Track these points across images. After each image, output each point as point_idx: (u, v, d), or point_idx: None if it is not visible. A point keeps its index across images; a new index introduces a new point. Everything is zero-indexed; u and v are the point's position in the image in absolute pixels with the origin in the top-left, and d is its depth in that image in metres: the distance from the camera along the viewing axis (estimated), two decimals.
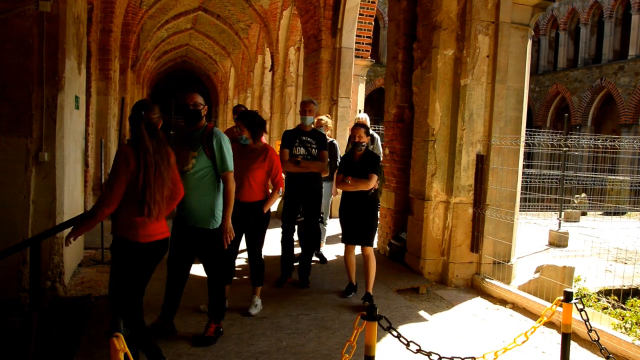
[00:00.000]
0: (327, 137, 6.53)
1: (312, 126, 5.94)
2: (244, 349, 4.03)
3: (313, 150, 5.65)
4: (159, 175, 3.20)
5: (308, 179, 5.72)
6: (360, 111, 11.27)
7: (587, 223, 12.20)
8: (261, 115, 5.15)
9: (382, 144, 8.03)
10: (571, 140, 9.06)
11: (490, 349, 3.52)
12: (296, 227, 5.91)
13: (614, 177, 16.21)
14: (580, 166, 15.49)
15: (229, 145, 4.04)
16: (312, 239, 5.88)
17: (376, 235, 7.80)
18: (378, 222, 5.59)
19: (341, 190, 5.67)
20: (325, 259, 6.94)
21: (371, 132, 7.02)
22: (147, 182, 3.14)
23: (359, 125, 5.32)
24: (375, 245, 7.77)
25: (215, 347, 4.03)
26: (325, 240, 7.31)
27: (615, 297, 6.25)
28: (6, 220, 4.82)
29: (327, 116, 7.17)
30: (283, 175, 5.23)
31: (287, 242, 5.77)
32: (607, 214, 14.35)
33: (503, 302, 5.58)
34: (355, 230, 5.26)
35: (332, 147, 6.79)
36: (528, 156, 16.29)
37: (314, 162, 5.65)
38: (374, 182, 5.13)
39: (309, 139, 5.67)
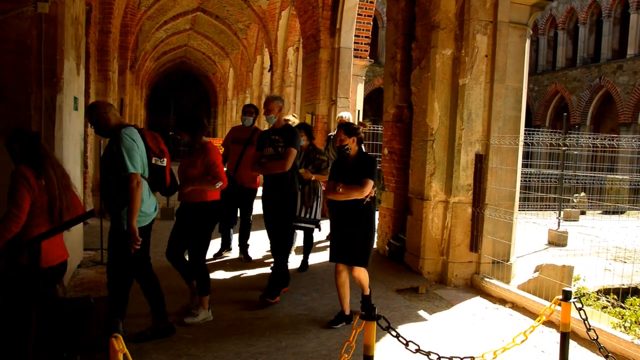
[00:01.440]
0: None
1: (290, 123, 5.78)
2: (244, 349, 4.03)
3: (280, 148, 5.18)
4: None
5: (274, 180, 5.27)
6: (358, 112, 11.27)
7: (587, 222, 12.21)
8: (199, 114, 4.95)
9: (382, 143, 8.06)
10: (570, 140, 9.07)
11: (489, 349, 3.53)
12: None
13: (613, 176, 16.22)
14: (580, 165, 15.49)
15: (131, 146, 3.71)
16: (281, 246, 5.29)
17: (375, 236, 7.84)
18: (375, 236, 4.85)
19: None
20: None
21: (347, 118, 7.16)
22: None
23: (339, 126, 4.83)
24: (375, 245, 7.80)
25: (215, 347, 4.03)
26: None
27: (615, 296, 6.25)
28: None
29: (294, 115, 7.25)
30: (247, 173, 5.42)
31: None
32: (606, 213, 14.36)
33: (502, 301, 5.59)
34: (347, 247, 4.54)
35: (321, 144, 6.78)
36: (527, 155, 16.28)
37: (276, 162, 5.17)
38: (368, 189, 4.42)
39: (277, 137, 5.24)
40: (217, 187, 4.54)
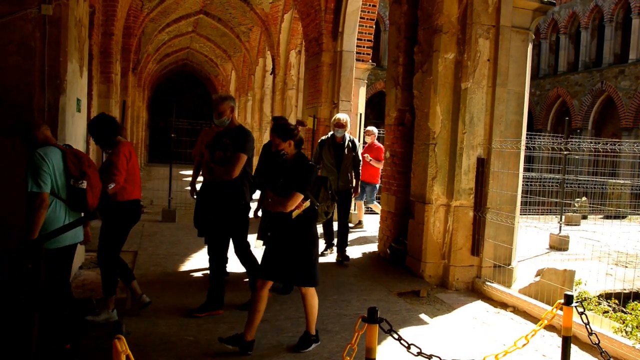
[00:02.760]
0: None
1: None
2: None
3: (228, 152, 4.69)
4: None
5: (221, 188, 4.76)
6: (360, 115, 11.28)
7: (588, 227, 12.20)
8: (109, 117, 4.66)
9: (384, 146, 8.06)
10: (572, 144, 9.07)
11: (490, 352, 3.53)
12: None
13: (614, 181, 16.21)
14: (581, 170, 15.47)
15: (39, 165, 3.61)
16: (215, 261, 4.82)
17: (376, 238, 7.85)
18: (316, 253, 4.15)
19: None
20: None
21: (349, 136, 7.03)
22: None
23: (271, 129, 4.38)
24: (376, 248, 7.80)
25: (215, 348, 4.03)
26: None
27: (616, 301, 6.25)
28: (8, 222, 4.82)
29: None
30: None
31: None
32: (607, 217, 14.33)
33: (504, 305, 5.58)
34: (282, 264, 4.01)
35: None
36: (529, 160, 16.32)
37: (223, 168, 4.67)
38: (293, 204, 3.87)
39: (227, 141, 4.74)
40: (109, 188, 4.33)
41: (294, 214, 3.91)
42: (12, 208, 4.78)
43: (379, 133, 10.66)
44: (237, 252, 4.96)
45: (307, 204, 3.96)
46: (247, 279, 5.31)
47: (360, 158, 7.26)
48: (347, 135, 6.99)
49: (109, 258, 4.57)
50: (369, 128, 9.75)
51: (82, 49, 6.00)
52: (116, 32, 10.83)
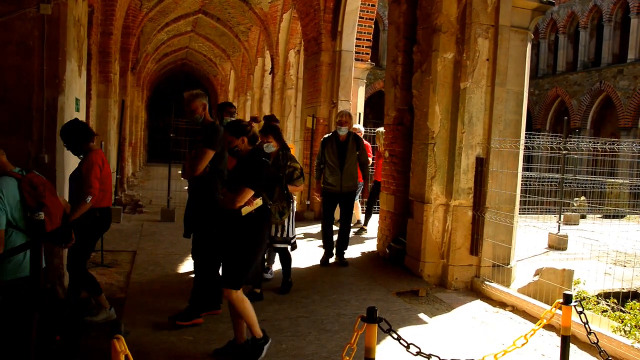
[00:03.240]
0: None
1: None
2: None
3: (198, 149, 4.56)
4: None
5: (191, 186, 4.67)
6: (359, 114, 11.28)
7: (587, 226, 12.21)
8: (80, 124, 4.52)
9: (384, 146, 8.01)
10: (570, 144, 9.07)
11: (489, 352, 3.53)
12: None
13: (613, 180, 16.23)
14: (580, 169, 15.48)
15: None
16: (198, 264, 4.62)
17: (375, 238, 7.85)
18: (256, 255, 3.93)
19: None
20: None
21: (353, 134, 6.84)
22: None
23: (224, 127, 4.24)
24: (374, 247, 7.80)
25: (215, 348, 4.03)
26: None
27: (615, 300, 6.26)
28: None
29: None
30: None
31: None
32: (606, 217, 14.35)
33: (502, 304, 5.59)
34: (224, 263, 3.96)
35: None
36: (527, 159, 16.34)
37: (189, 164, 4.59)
38: (242, 199, 3.74)
39: (199, 138, 4.62)
40: (87, 202, 4.22)
41: (244, 210, 3.77)
42: None
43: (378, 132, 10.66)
44: (196, 250, 4.75)
45: (259, 201, 3.83)
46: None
47: (367, 157, 7.11)
48: (351, 133, 6.85)
49: (79, 267, 4.43)
50: (355, 126, 9.31)
51: (81, 49, 5.99)
52: (115, 31, 10.81)
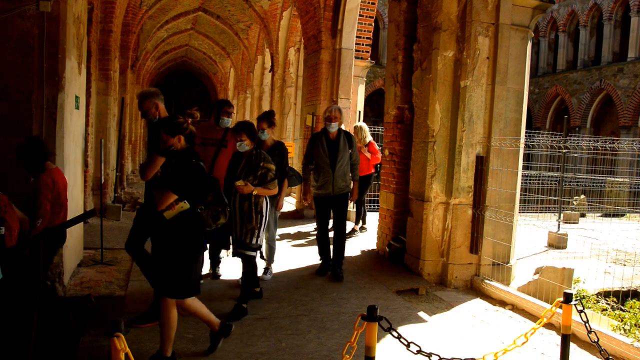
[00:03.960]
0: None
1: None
2: (244, 349, 4.03)
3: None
4: None
5: (147, 191, 4.45)
6: (359, 113, 11.27)
7: (586, 225, 12.22)
8: (34, 142, 4.35)
9: (382, 145, 7.97)
10: (570, 142, 9.07)
11: (489, 350, 3.53)
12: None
13: (613, 179, 16.23)
14: (580, 168, 15.52)
15: None
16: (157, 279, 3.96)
17: (375, 237, 7.84)
18: (189, 262, 3.68)
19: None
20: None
21: (344, 131, 6.29)
22: None
23: (159, 124, 4.04)
24: (374, 246, 7.80)
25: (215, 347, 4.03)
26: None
27: (614, 299, 6.26)
28: None
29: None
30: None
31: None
32: (606, 215, 14.37)
33: (502, 303, 5.59)
34: (157, 271, 3.76)
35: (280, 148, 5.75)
36: (527, 158, 16.33)
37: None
38: (164, 203, 3.52)
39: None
40: (38, 225, 4.08)
41: (167, 214, 3.55)
42: None
43: (377, 131, 10.66)
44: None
45: (184, 205, 3.56)
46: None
47: (358, 156, 6.47)
48: (342, 130, 6.24)
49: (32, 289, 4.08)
50: (358, 124, 9.20)
51: (81, 46, 5.99)
52: (115, 29, 10.80)
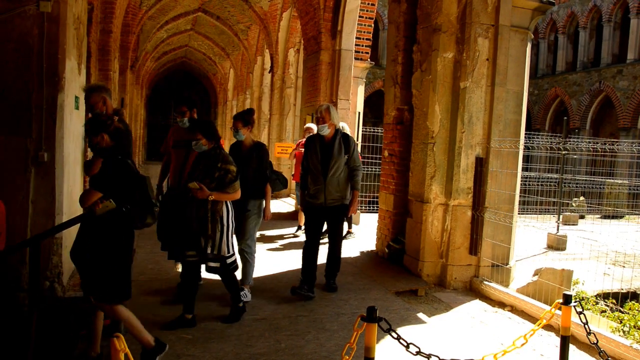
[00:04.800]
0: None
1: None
2: (243, 350, 4.03)
3: None
4: None
5: None
6: (359, 114, 11.26)
7: (586, 226, 12.23)
8: None
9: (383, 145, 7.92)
10: (570, 144, 9.09)
11: (489, 352, 3.53)
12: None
13: (612, 181, 16.25)
14: (579, 169, 15.52)
15: None
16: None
17: (374, 238, 7.84)
18: (119, 264, 3.58)
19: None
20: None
21: (342, 132, 5.62)
22: None
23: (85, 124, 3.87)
24: (374, 247, 7.80)
25: (214, 348, 4.03)
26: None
27: (614, 300, 6.27)
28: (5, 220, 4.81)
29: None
30: None
31: None
32: (605, 217, 14.38)
33: (502, 304, 5.59)
34: (85, 275, 3.61)
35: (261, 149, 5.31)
36: (527, 159, 16.35)
37: None
38: (87, 201, 3.43)
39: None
40: None
41: (98, 211, 3.42)
42: (11, 205, 4.76)
43: (376, 132, 10.67)
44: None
45: (110, 204, 3.42)
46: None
47: (359, 160, 5.69)
48: (339, 132, 5.57)
49: None
50: (308, 125, 8.17)
51: (81, 47, 5.99)
52: (114, 29, 10.79)
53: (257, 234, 5.62)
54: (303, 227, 7.85)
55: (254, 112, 5.42)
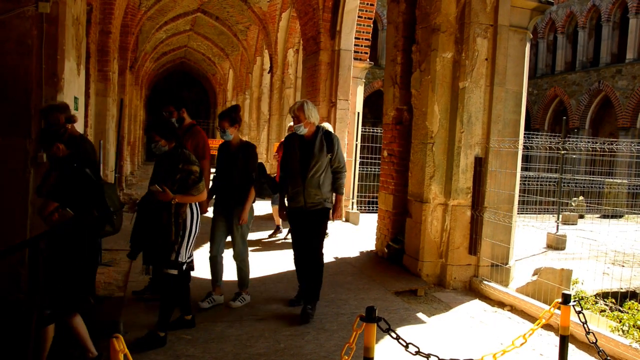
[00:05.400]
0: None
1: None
2: (242, 350, 4.03)
3: None
4: None
5: None
6: (358, 114, 11.25)
7: (585, 226, 12.23)
8: None
9: (385, 146, 7.90)
10: (569, 143, 9.10)
11: (488, 351, 3.53)
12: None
13: (611, 180, 16.26)
14: (578, 169, 15.53)
15: None
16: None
17: (374, 237, 7.84)
18: (79, 273, 3.50)
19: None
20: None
21: (323, 130, 5.03)
22: None
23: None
24: (373, 247, 7.80)
25: (213, 348, 4.03)
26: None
27: (613, 300, 6.27)
28: (4, 221, 4.81)
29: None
30: None
31: None
32: (604, 216, 14.39)
33: (501, 304, 5.59)
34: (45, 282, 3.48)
35: (248, 148, 5.01)
36: (526, 159, 16.36)
37: None
38: (45, 210, 3.38)
39: None
40: None
41: (53, 221, 3.37)
42: (10, 206, 4.77)
43: (376, 132, 10.66)
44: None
45: (67, 212, 3.36)
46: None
47: (344, 161, 5.08)
48: (321, 129, 5.02)
49: None
50: (291, 124, 7.79)
51: (80, 47, 5.98)
52: (114, 30, 10.80)
53: (257, 235, 5.58)
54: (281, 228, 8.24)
55: (239, 109, 5.05)
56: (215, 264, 5.03)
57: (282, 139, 8.67)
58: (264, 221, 9.76)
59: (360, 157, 11.10)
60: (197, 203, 4.30)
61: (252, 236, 8.47)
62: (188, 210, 4.18)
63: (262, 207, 10.53)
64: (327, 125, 6.97)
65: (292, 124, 5.00)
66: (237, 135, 5.01)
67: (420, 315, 5.14)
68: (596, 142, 9.48)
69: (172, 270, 4.10)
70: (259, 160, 5.14)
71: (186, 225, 4.15)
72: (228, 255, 5.06)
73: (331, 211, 4.99)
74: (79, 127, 6.12)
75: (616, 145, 9.80)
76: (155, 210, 4.07)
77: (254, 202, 5.04)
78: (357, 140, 10.65)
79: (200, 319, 4.58)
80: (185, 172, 4.09)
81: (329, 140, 4.92)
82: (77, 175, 3.47)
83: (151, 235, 4.10)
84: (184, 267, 4.23)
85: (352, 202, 10.93)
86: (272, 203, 8.69)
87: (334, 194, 5.07)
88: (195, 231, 4.29)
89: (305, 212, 4.91)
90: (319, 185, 4.85)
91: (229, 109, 4.97)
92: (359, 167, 11.15)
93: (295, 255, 5.13)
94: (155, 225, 4.07)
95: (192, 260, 4.40)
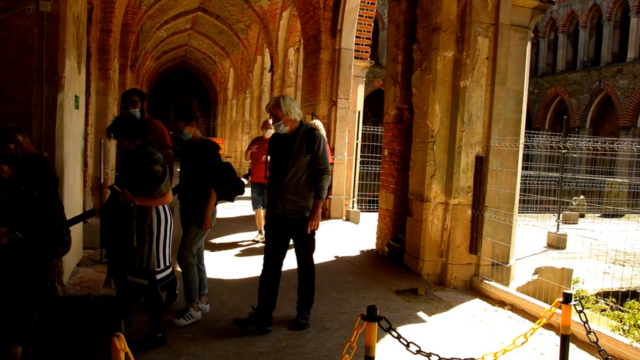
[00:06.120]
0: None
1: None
2: (243, 349, 4.03)
3: None
4: None
5: None
6: (359, 113, 11.24)
7: (586, 225, 12.23)
8: None
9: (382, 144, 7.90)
10: (570, 143, 9.08)
11: (489, 350, 3.53)
12: None
13: (612, 179, 16.25)
14: (579, 168, 15.54)
15: None
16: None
17: (374, 236, 7.84)
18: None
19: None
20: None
21: (306, 127, 4.46)
22: None
23: None
24: (374, 246, 7.80)
25: (214, 347, 4.03)
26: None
27: (614, 299, 6.27)
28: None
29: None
30: None
31: None
32: (605, 216, 14.38)
33: (502, 303, 5.59)
34: None
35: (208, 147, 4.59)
36: (527, 158, 16.34)
37: None
38: None
39: None
40: None
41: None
42: None
43: (376, 130, 10.65)
44: None
45: (16, 237, 3.21)
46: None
47: (327, 162, 4.47)
48: (304, 125, 4.46)
49: None
50: (267, 119, 6.92)
51: (80, 46, 5.98)
52: (114, 29, 10.79)
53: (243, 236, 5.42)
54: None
55: (194, 105, 4.63)
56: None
57: (257, 137, 8.49)
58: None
59: (361, 156, 11.10)
60: (167, 207, 4.00)
61: (239, 237, 8.49)
62: (154, 214, 3.86)
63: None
64: (318, 123, 6.88)
65: (270, 120, 4.54)
66: (197, 133, 4.61)
67: (421, 314, 5.14)
68: (597, 142, 9.46)
69: (142, 280, 3.78)
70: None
71: (152, 230, 3.83)
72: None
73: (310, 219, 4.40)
74: (79, 125, 6.14)
75: (617, 144, 9.78)
76: (120, 213, 3.73)
77: (216, 204, 4.63)
78: (357, 139, 10.65)
79: (201, 318, 4.57)
80: (147, 172, 3.76)
81: (310, 138, 4.37)
82: (24, 197, 3.28)
83: (114, 240, 3.81)
84: (159, 276, 3.92)
85: (353, 201, 10.93)
86: (255, 207, 8.01)
87: None
88: (166, 237, 3.98)
89: (285, 222, 4.40)
90: (297, 189, 4.34)
91: (182, 108, 4.59)
92: (360, 166, 11.15)
93: (264, 268, 4.50)
94: (117, 230, 3.75)
95: (170, 274, 4.08)
